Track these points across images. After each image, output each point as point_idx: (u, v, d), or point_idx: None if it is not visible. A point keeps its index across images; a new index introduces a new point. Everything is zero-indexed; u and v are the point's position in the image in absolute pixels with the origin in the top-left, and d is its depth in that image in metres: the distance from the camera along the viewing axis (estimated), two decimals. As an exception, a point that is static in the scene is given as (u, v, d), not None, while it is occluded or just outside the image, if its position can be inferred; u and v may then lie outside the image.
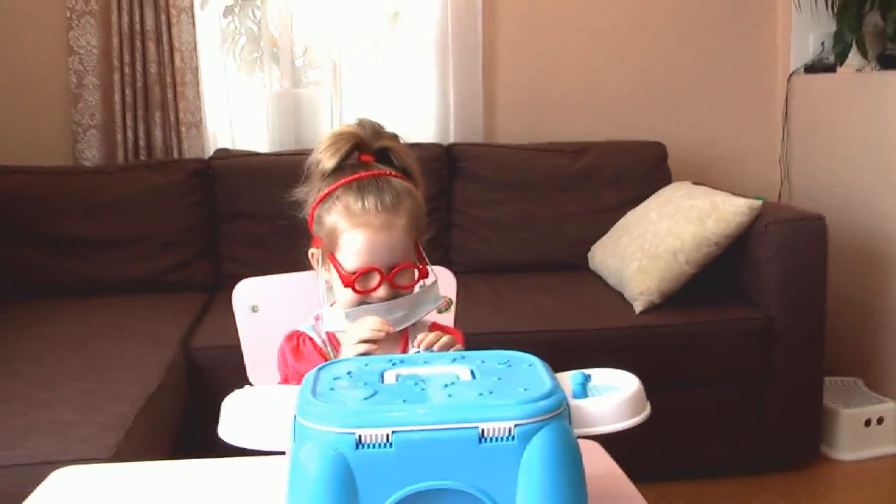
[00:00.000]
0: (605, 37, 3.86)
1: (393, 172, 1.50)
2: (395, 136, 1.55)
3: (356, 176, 1.47)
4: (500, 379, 1.04)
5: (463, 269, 3.37)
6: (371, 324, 1.42)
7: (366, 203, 1.44)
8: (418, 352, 1.40)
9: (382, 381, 1.05)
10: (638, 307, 2.92)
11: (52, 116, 3.63)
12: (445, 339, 1.42)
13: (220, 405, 1.08)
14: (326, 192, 1.47)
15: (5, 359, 2.54)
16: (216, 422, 1.08)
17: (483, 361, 1.11)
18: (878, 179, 3.30)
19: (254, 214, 3.37)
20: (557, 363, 2.88)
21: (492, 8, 3.76)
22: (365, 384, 1.03)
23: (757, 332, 2.91)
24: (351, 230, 1.45)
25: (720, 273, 3.01)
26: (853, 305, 3.43)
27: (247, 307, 1.90)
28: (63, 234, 3.28)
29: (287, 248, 3.03)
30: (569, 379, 1.15)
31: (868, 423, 3.14)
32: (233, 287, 3.10)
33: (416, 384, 1.03)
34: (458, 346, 1.45)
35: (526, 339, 2.79)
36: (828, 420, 3.12)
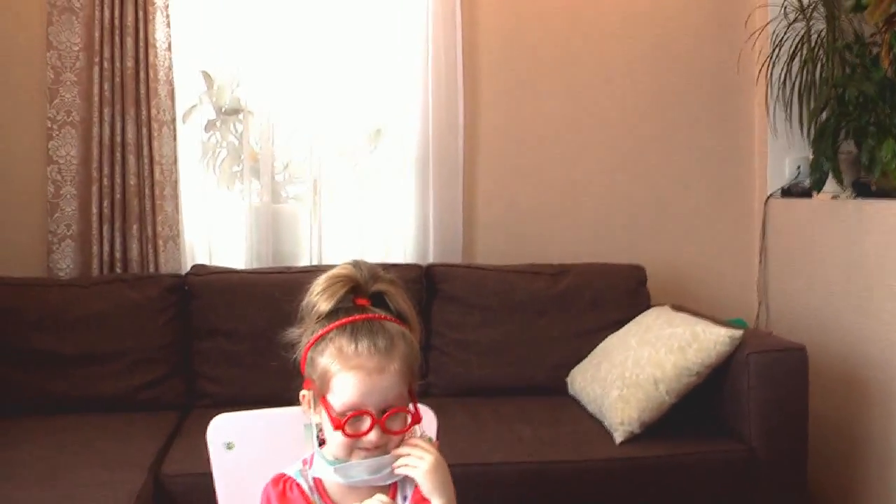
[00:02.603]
0: (584, 158, 3.90)
1: (388, 317, 1.50)
2: (391, 280, 1.56)
3: (350, 319, 1.47)
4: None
5: (441, 392, 3.35)
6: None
7: (359, 346, 1.44)
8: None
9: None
10: (618, 438, 2.88)
11: (27, 226, 3.60)
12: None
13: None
14: (320, 334, 1.47)
15: (-33, 486, 2.46)
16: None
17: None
18: (855, 305, 3.31)
19: (229, 332, 3.32)
20: (539, 496, 2.83)
21: (473, 127, 3.80)
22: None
23: (739, 462, 2.87)
24: (343, 372, 1.44)
25: (701, 401, 2.99)
26: (835, 430, 3.40)
27: (221, 444, 1.86)
28: (35, 349, 3.21)
29: (263, 368, 3.01)
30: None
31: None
32: (207, 406, 3.08)
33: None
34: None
35: (506, 470, 2.76)
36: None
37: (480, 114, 3.83)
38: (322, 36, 3.68)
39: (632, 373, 2.95)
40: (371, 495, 1.47)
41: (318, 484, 1.52)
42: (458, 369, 3.42)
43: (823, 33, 3.63)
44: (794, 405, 2.92)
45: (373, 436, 1.44)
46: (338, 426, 1.43)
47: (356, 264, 1.54)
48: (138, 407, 3.21)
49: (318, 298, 1.50)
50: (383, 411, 1.44)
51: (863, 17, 3.36)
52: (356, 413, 1.43)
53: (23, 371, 3.19)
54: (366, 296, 1.51)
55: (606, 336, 3.33)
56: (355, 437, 1.44)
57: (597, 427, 3.01)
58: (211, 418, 1.86)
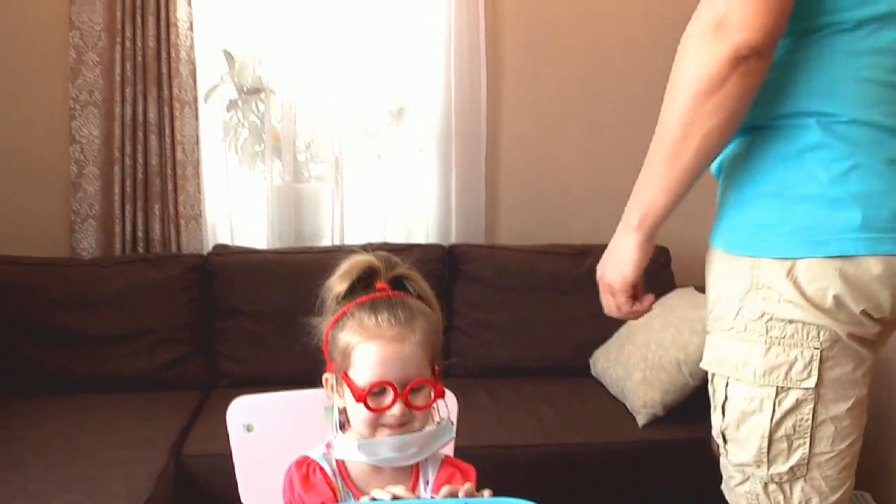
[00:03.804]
0: (607, 137, 3.85)
1: (408, 295, 1.52)
2: (409, 267, 1.57)
3: (371, 296, 1.49)
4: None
5: (463, 373, 3.34)
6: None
7: (379, 318, 1.45)
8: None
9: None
10: (641, 420, 2.87)
11: (50, 205, 3.61)
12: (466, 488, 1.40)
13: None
14: (341, 312, 1.49)
15: (-7, 465, 2.48)
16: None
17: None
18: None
19: (251, 312, 3.33)
20: (560, 477, 2.82)
21: (496, 107, 3.76)
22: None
23: (762, 445, 2.85)
24: (363, 343, 1.45)
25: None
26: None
27: (241, 426, 1.86)
28: (58, 328, 3.23)
29: (284, 348, 3.01)
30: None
31: (876, 539, 3.07)
32: (228, 386, 3.09)
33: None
34: (471, 485, 1.42)
35: (528, 451, 2.75)
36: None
37: (503, 92, 3.80)
38: (344, 14, 3.65)
39: (655, 354, 2.93)
40: (393, 479, 1.48)
41: (340, 467, 1.52)
42: (481, 350, 3.42)
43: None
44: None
45: (396, 409, 1.43)
46: (360, 398, 1.43)
47: (374, 253, 1.55)
48: (160, 386, 3.22)
49: (337, 281, 1.51)
50: (405, 384, 1.44)
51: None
52: (378, 383, 1.43)
53: (45, 350, 3.21)
54: (386, 280, 1.52)
55: (629, 318, 3.30)
56: (378, 410, 1.43)
57: (619, 409, 3.00)
58: (232, 398, 1.86)
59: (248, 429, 1.86)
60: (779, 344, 1.48)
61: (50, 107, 3.58)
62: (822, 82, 1.45)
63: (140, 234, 3.54)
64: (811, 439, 1.51)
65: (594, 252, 3.50)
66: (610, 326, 3.33)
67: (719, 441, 1.60)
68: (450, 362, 3.36)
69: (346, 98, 3.68)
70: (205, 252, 3.54)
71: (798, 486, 1.53)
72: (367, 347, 1.44)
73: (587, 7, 3.82)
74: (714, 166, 1.62)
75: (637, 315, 1.66)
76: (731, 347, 1.53)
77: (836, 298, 1.44)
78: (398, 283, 1.53)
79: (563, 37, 3.82)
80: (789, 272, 1.44)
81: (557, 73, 3.82)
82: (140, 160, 3.52)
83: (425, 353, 1.47)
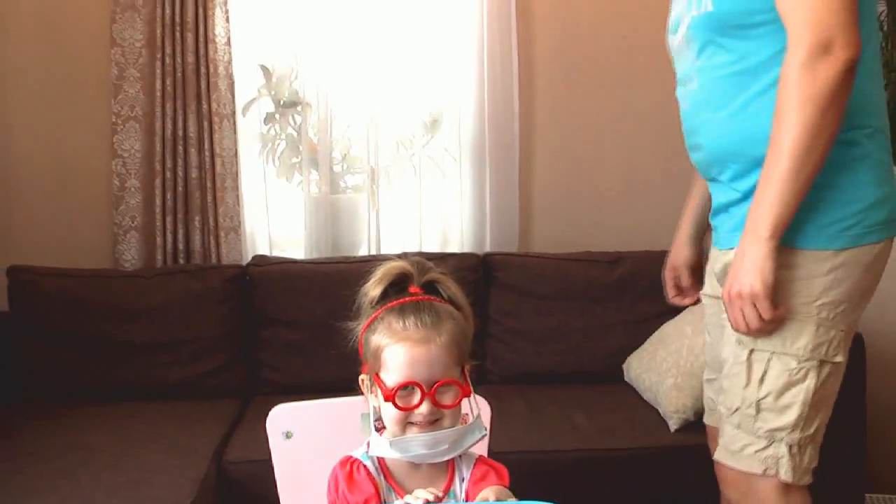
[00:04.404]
0: (639, 145, 3.86)
1: (438, 299, 1.58)
2: (442, 272, 1.63)
3: (401, 300, 1.55)
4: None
5: (497, 380, 3.39)
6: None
7: (406, 322, 1.52)
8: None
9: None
10: (673, 425, 2.90)
11: (94, 218, 3.71)
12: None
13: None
14: (374, 316, 1.55)
15: (42, 472, 2.57)
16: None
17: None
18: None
19: (290, 321, 3.39)
20: (593, 483, 2.85)
21: (528, 116, 3.80)
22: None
23: (795, 449, 2.86)
24: (392, 345, 1.51)
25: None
26: (894, 415, 3.38)
27: (280, 433, 1.91)
28: (102, 338, 3.32)
29: (323, 356, 3.07)
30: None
31: (910, 543, 3.08)
32: (268, 393, 3.14)
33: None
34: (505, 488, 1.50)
35: (561, 457, 2.79)
36: (869, 539, 3.06)
37: (536, 102, 3.83)
38: (377, 26, 3.71)
39: (686, 360, 2.96)
40: (430, 477, 1.55)
41: (381, 465, 1.58)
42: (515, 357, 3.46)
43: (884, 15, 3.58)
44: (851, 389, 2.89)
45: (424, 408, 1.49)
46: (388, 397, 1.49)
47: (407, 259, 1.61)
48: (202, 394, 3.30)
49: (372, 287, 1.58)
50: (432, 384, 1.49)
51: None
52: (405, 383, 1.49)
53: (90, 360, 3.31)
54: (419, 285, 1.58)
55: (662, 324, 3.32)
56: (406, 409, 1.49)
57: (652, 414, 3.02)
58: (272, 406, 1.92)
59: (288, 436, 1.91)
60: (825, 325, 1.79)
61: (93, 122, 3.68)
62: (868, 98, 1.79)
63: (181, 245, 3.61)
64: (827, 408, 1.87)
65: (627, 259, 3.55)
66: (642, 333, 3.36)
67: (750, 412, 1.83)
68: (484, 368, 3.40)
69: (381, 110, 3.74)
70: (244, 263, 3.61)
71: (809, 448, 1.86)
72: (395, 349, 1.51)
73: (618, 11, 3.82)
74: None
75: (778, 320, 1.80)
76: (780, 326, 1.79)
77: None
78: (430, 288, 1.58)
79: (594, 43, 3.83)
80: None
81: (589, 79, 3.84)
82: (180, 173, 3.60)
83: (451, 355, 1.53)
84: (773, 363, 1.80)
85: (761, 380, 1.82)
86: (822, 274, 1.79)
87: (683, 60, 1.98)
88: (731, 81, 1.84)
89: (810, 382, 1.80)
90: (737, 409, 1.86)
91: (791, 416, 1.81)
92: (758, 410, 1.83)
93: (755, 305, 1.74)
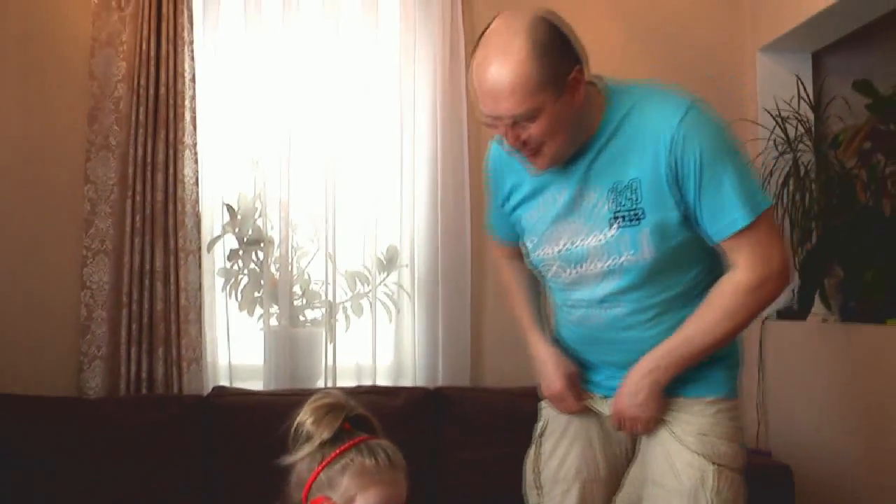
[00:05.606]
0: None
1: (375, 437, 1.70)
2: (362, 405, 1.74)
3: (359, 439, 1.66)
4: None
5: (450, 511, 3.45)
6: None
7: (379, 460, 1.64)
8: None
9: None
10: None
11: (59, 346, 3.79)
12: None
13: None
14: (332, 455, 1.65)
15: None
16: None
17: None
18: (843, 427, 3.44)
19: (249, 452, 3.43)
20: None
21: (479, 255, 3.98)
22: None
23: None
24: (365, 490, 1.63)
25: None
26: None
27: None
28: (63, 465, 3.35)
29: (277, 487, 3.12)
30: None
31: None
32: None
33: None
34: None
35: None
36: None
37: (487, 242, 4.00)
38: (338, 170, 3.93)
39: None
40: None
41: None
42: (466, 490, 3.51)
43: (811, 164, 3.83)
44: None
45: None
46: None
47: (337, 394, 1.73)
48: (160, 524, 3.34)
49: (318, 426, 1.67)
50: None
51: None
52: None
53: (50, 486, 3.32)
54: (349, 419, 1.69)
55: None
56: None
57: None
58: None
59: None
60: None
61: (64, 254, 3.80)
62: None
63: (144, 374, 3.70)
64: None
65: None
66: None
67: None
68: (435, 500, 3.46)
69: (339, 247, 3.92)
70: (205, 393, 3.70)
71: None
72: (370, 494, 1.63)
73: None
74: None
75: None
76: None
77: None
78: (362, 423, 1.70)
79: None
80: None
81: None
82: (146, 305, 3.72)
83: (406, 481, 1.67)
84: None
85: None
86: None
87: (598, 287, 2.09)
88: (665, 306, 2.06)
89: None
90: None
91: None
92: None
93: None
